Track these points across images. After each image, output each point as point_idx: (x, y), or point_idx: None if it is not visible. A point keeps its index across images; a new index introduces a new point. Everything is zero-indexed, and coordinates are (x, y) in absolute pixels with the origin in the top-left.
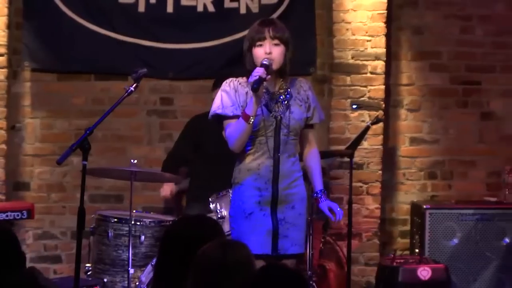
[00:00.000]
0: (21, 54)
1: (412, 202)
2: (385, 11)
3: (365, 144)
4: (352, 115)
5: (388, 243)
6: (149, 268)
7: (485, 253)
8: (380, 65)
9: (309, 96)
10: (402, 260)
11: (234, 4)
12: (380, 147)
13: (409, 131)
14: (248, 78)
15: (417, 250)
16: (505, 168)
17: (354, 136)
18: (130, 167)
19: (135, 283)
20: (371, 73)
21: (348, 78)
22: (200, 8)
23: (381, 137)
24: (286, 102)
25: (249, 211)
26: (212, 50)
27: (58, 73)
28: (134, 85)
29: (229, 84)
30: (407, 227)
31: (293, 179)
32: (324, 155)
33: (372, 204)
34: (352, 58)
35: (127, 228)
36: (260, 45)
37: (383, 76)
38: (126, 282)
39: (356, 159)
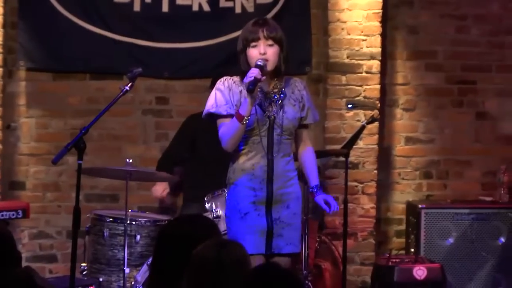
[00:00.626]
0: (16, 53)
1: (408, 202)
2: (381, 11)
3: (360, 143)
4: (348, 114)
5: (383, 243)
6: (144, 267)
7: (480, 252)
8: (375, 64)
9: (304, 95)
10: (397, 260)
11: (230, 4)
12: (376, 146)
13: (404, 131)
14: (241, 77)
15: (412, 250)
16: (500, 167)
17: (349, 135)
18: (125, 167)
19: (131, 283)
20: (367, 72)
21: (344, 78)
22: (195, 8)
23: (376, 136)
24: (280, 101)
25: (245, 211)
26: (207, 49)
27: (53, 73)
28: (130, 84)
29: (223, 83)
30: (403, 227)
31: (287, 179)
32: (320, 154)
33: (367, 204)
34: (348, 57)
35: (123, 228)
36: (255, 46)
37: (379, 75)
38: (122, 281)
39: (351, 158)
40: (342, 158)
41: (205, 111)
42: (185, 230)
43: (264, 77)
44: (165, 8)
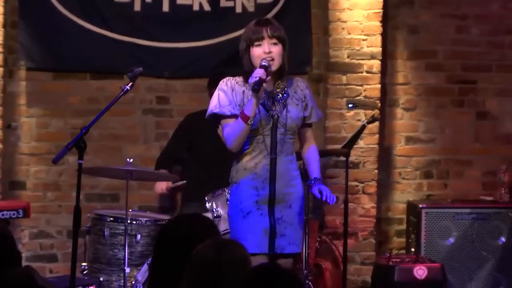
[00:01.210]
0: (16, 53)
1: (408, 201)
2: (381, 10)
3: (361, 143)
4: (348, 114)
5: (384, 242)
6: (145, 267)
7: (481, 252)
8: (376, 64)
9: (307, 95)
10: (398, 259)
11: (230, 3)
12: (376, 146)
13: (405, 130)
14: (244, 78)
15: (413, 249)
16: (501, 167)
17: (350, 135)
18: (126, 166)
19: (131, 282)
20: (367, 72)
21: (344, 77)
22: (196, 7)
23: (377, 136)
24: (283, 101)
25: (247, 210)
26: (208, 49)
27: (53, 72)
28: (130, 84)
29: (226, 83)
30: (403, 226)
31: (290, 178)
32: (320, 154)
33: (368, 203)
34: (348, 57)
35: (123, 227)
36: (259, 45)
37: (379, 75)
38: (122, 281)
39: (352, 158)
40: (342, 158)
41: (208, 112)
42: (183, 229)
43: (269, 78)
44: (165, 7)
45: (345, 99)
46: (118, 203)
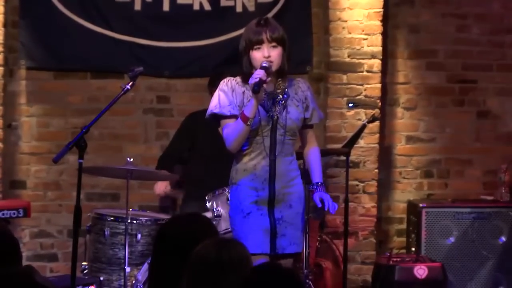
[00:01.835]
0: (17, 52)
1: (409, 201)
2: (381, 10)
3: (361, 142)
4: (349, 113)
5: (384, 242)
6: (145, 266)
7: (481, 251)
8: (376, 63)
9: (308, 96)
10: (398, 259)
11: (230, 3)
12: (377, 145)
13: (405, 130)
14: (243, 78)
15: (413, 249)
16: (501, 166)
17: (350, 134)
18: (126, 166)
19: (132, 282)
20: (368, 71)
21: (345, 77)
22: (196, 7)
23: (377, 135)
24: (283, 102)
25: (247, 211)
26: (208, 48)
27: (54, 71)
28: (130, 83)
29: (226, 84)
30: (404, 226)
31: (290, 179)
32: (321, 153)
33: (368, 203)
34: (349, 56)
35: (124, 227)
36: (258, 48)
37: (380, 74)
38: (123, 280)
39: (352, 157)
40: (343, 157)
41: (208, 112)
42: (182, 229)
43: (269, 79)
44: (166, 7)
45: (345, 99)
46: (119, 203)
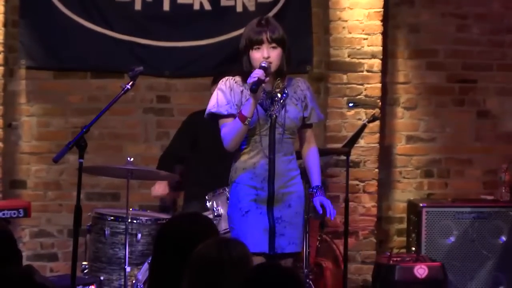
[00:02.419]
0: (17, 52)
1: (409, 200)
2: (382, 9)
3: (361, 142)
4: (349, 113)
5: (384, 241)
6: (145, 266)
7: (481, 251)
8: (376, 63)
9: (307, 95)
10: (398, 258)
11: (231, 2)
12: (377, 145)
13: (405, 129)
14: (243, 78)
15: (413, 248)
16: (501, 166)
17: (350, 134)
18: (126, 165)
19: (132, 281)
20: (368, 71)
21: (345, 76)
22: (196, 6)
23: (377, 135)
24: (282, 101)
25: (246, 209)
26: (208, 48)
27: (54, 71)
28: (131, 83)
29: (225, 83)
30: (404, 225)
31: (289, 178)
32: (321, 153)
33: (368, 202)
34: (349, 56)
35: (124, 226)
36: (258, 49)
37: (380, 74)
38: (123, 280)
39: (352, 157)
40: (343, 157)
41: (207, 111)
42: (183, 228)
43: (267, 78)
44: (166, 7)
45: (345, 98)
46: (119, 202)
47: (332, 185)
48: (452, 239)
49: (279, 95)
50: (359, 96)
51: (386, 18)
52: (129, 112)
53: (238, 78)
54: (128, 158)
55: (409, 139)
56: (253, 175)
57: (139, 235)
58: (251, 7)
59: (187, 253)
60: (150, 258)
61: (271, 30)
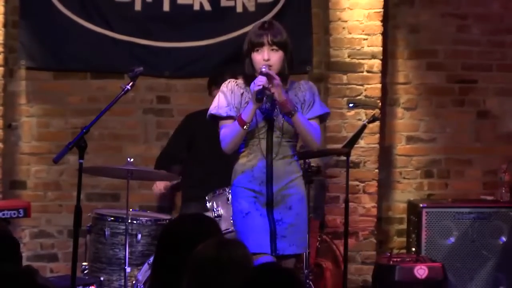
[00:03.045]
0: (17, 52)
1: (409, 201)
2: (382, 10)
3: (361, 142)
4: (349, 113)
5: (384, 242)
6: (145, 266)
7: (481, 251)
8: (376, 63)
9: (306, 95)
10: (398, 259)
11: (231, 3)
12: (377, 145)
13: (405, 130)
14: (245, 80)
15: (413, 249)
16: (501, 166)
17: (350, 134)
18: (126, 166)
19: (132, 282)
20: (368, 71)
21: (345, 77)
22: (196, 7)
23: (377, 135)
24: None
25: (246, 211)
26: (208, 48)
27: (54, 72)
28: (131, 83)
29: (226, 86)
30: (404, 226)
31: (289, 181)
32: (321, 153)
33: (368, 203)
34: (349, 56)
35: (124, 227)
36: (258, 51)
37: (380, 74)
38: (123, 280)
39: (352, 157)
40: (343, 157)
41: (208, 113)
42: (187, 229)
43: (271, 85)
44: (166, 7)
45: (345, 99)
46: (119, 203)
47: (332, 185)
48: (452, 239)
49: None
50: (359, 97)
51: (386, 19)
52: (129, 112)
53: (240, 81)
54: (128, 159)
55: (409, 139)
56: (252, 177)
57: (139, 236)
58: (251, 7)
59: (190, 253)
60: (150, 259)
61: (272, 33)
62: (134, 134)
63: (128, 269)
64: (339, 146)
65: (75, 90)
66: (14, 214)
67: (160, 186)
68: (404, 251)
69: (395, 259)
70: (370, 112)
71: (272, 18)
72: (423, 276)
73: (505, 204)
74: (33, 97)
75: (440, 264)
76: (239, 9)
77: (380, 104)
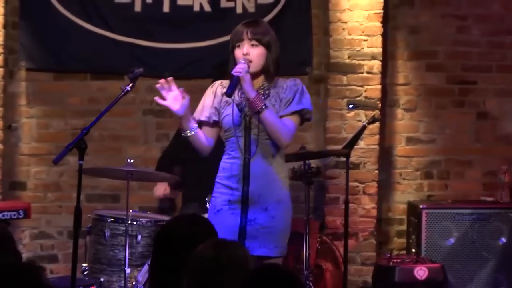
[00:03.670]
0: (17, 53)
1: (409, 202)
2: (381, 11)
3: (361, 143)
4: (349, 114)
5: (384, 243)
6: (145, 267)
7: (481, 252)
8: (376, 64)
9: (285, 92)
10: (398, 260)
11: (231, 4)
12: (377, 146)
13: (405, 131)
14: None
15: (413, 250)
16: (501, 167)
17: (350, 135)
18: (126, 167)
19: (132, 283)
20: (368, 72)
21: (345, 78)
22: (196, 8)
23: (377, 136)
24: None
25: (218, 208)
26: (208, 49)
27: (54, 73)
28: (130, 84)
29: (211, 87)
30: (404, 227)
31: (268, 181)
32: (321, 154)
33: (368, 204)
34: (349, 57)
35: (124, 228)
36: (239, 46)
37: (380, 75)
38: (123, 281)
39: (352, 158)
40: (343, 158)
41: None
42: (183, 230)
43: (248, 76)
44: (166, 8)
45: (345, 100)
46: (119, 204)
47: (332, 186)
48: (452, 240)
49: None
50: (359, 98)
51: (386, 20)
52: (129, 113)
53: (226, 82)
54: (128, 160)
55: (409, 140)
56: (230, 175)
57: (139, 237)
58: (251, 8)
59: (187, 255)
60: (150, 260)
61: (253, 28)
62: (134, 135)
63: (128, 270)
64: (339, 147)
65: (75, 91)
66: (14, 215)
67: (160, 191)
68: (404, 252)
69: (395, 260)
70: (370, 113)
71: (272, 19)
72: (423, 277)
73: (505, 205)
74: (33, 98)
75: (440, 265)
76: (239, 10)
77: (380, 105)
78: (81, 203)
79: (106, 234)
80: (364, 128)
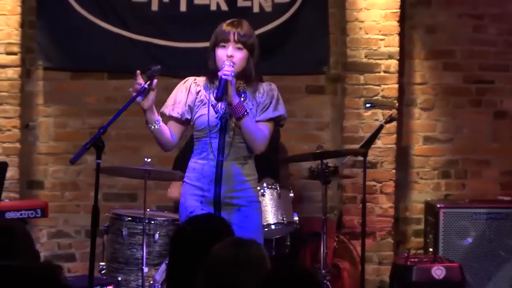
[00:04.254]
0: (34, 52)
1: (426, 201)
2: (398, 10)
3: (378, 143)
4: (366, 114)
5: (402, 242)
6: (163, 266)
7: (499, 252)
8: (393, 64)
9: (262, 98)
10: (416, 259)
11: (247, 3)
12: (394, 146)
13: (422, 130)
14: (208, 77)
15: (431, 249)
16: None
17: (367, 135)
18: (143, 166)
19: (149, 282)
20: (385, 72)
21: (362, 77)
22: (213, 7)
23: (394, 136)
24: None
25: (191, 209)
26: None
27: (71, 72)
28: (148, 82)
29: (184, 83)
30: (421, 226)
31: (239, 183)
32: (338, 154)
33: (386, 203)
34: (366, 57)
35: (141, 227)
36: (223, 46)
37: (397, 75)
38: (140, 280)
39: (369, 158)
40: (360, 158)
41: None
42: (199, 229)
43: (233, 79)
44: (183, 7)
45: (362, 99)
46: (136, 203)
47: (350, 186)
48: (470, 240)
49: None
50: (376, 97)
51: (403, 19)
52: None
53: (200, 78)
54: (145, 159)
55: (426, 140)
56: (201, 176)
57: (157, 236)
58: (268, 8)
59: (204, 253)
60: (167, 259)
61: (240, 31)
62: (151, 134)
63: (145, 269)
64: (356, 146)
65: (92, 90)
66: (32, 214)
67: (174, 193)
68: (421, 251)
69: (412, 260)
70: (387, 112)
71: (289, 18)
72: (441, 277)
73: None
74: (50, 97)
75: (458, 264)
76: (256, 9)
77: (397, 104)
78: (98, 202)
79: (124, 233)
80: (381, 127)
